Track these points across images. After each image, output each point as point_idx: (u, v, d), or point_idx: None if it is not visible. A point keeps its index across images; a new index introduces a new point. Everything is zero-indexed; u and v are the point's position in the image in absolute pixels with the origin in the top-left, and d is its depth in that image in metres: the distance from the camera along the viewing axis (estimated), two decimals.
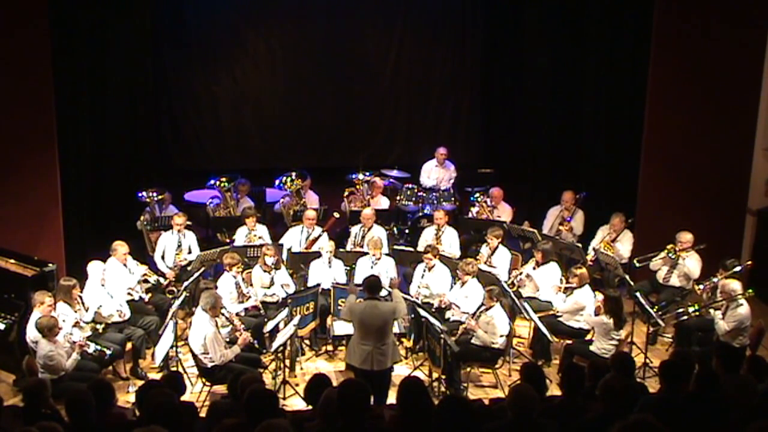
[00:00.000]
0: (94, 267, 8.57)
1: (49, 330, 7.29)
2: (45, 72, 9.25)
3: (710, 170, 10.12)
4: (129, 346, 8.39)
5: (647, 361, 8.36)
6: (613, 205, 10.38)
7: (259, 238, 9.89)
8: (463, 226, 10.69)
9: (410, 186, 11.72)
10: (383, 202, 11.34)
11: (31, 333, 7.59)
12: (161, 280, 9.27)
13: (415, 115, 14.33)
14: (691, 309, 8.37)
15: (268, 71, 13.89)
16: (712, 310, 8.26)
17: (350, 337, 8.31)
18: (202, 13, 13.40)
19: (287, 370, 8.33)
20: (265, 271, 9.09)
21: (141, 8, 12.02)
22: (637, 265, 9.37)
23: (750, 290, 8.26)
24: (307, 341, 9.01)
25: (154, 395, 5.25)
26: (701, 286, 8.75)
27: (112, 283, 8.60)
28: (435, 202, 11.44)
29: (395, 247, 10.04)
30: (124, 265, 8.93)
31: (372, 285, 7.39)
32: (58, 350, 7.37)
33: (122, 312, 8.48)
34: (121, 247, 8.93)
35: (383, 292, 8.64)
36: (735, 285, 8.09)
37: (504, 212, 10.89)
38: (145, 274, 9.04)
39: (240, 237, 10.00)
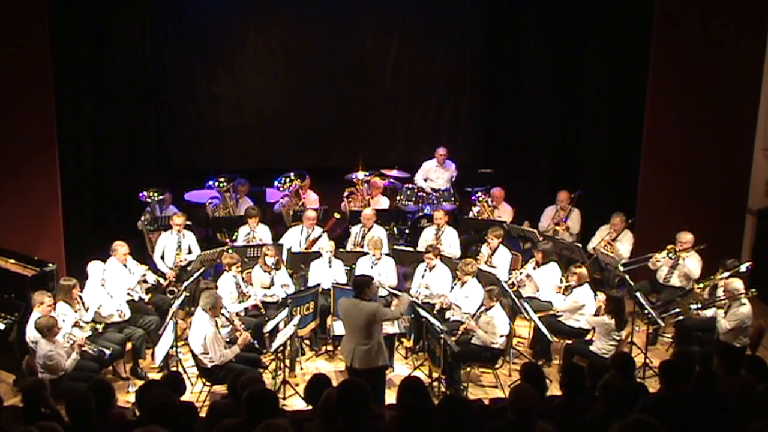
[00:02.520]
0: (94, 267, 8.57)
1: (48, 330, 7.29)
2: (45, 72, 9.24)
3: (710, 170, 10.11)
4: (129, 346, 8.39)
5: (647, 361, 8.36)
6: (613, 205, 10.37)
7: (259, 239, 9.89)
8: (463, 226, 10.68)
9: (410, 186, 11.71)
10: (383, 202, 11.33)
11: (31, 333, 7.58)
12: (161, 280, 9.27)
13: (415, 115, 14.33)
14: (693, 306, 8.38)
15: (268, 71, 13.90)
16: (714, 309, 8.26)
17: None
18: (202, 13, 13.41)
19: (287, 370, 8.33)
20: (265, 271, 9.09)
21: (141, 8, 12.02)
22: (621, 269, 9.30)
23: (753, 290, 8.24)
24: (307, 341, 9.01)
25: (154, 395, 5.25)
26: (700, 286, 8.75)
27: (112, 283, 8.60)
28: (435, 202, 11.43)
29: (395, 247, 10.03)
30: (124, 265, 8.93)
31: (356, 283, 7.42)
32: (58, 350, 7.36)
33: (122, 312, 8.48)
34: (121, 247, 8.93)
35: (382, 292, 8.69)
36: (738, 284, 8.09)
37: (505, 212, 10.89)
38: (144, 274, 9.04)
39: (241, 236, 10.02)
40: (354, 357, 7.20)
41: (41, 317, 7.41)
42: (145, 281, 9.05)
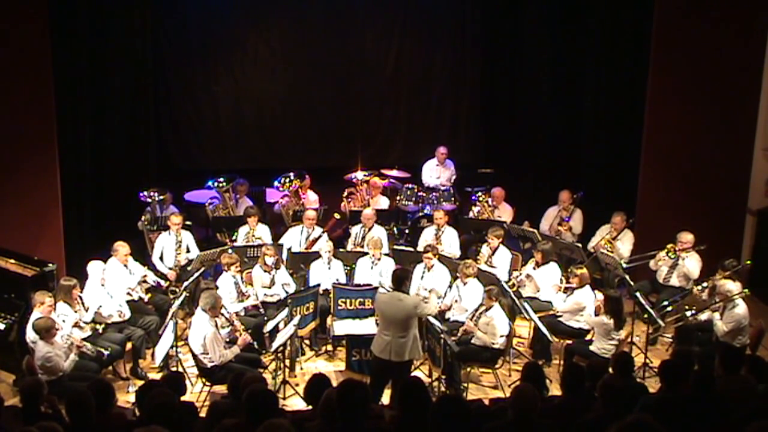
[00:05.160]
0: (94, 267, 8.57)
1: (46, 331, 7.27)
2: (45, 72, 9.24)
3: (710, 170, 10.12)
4: (129, 346, 8.39)
5: (647, 361, 8.36)
6: (613, 205, 10.38)
7: (258, 238, 9.90)
8: (463, 226, 10.69)
9: (410, 186, 11.71)
10: (383, 202, 11.34)
11: (31, 333, 7.58)
12: (161, 282, 9.24)
13: (415, 115, 14.33)
14: (688, 313, 8.36)
15: (268, 71, 13.89)
16: (708, 312, 8.25)
17: (350, 337, 8.34)
18: (202, 13, 13.40)
19: (287, 370, 8.34)
20: (265, 270, 9.09)
21: (141, 8, 12.02)
22: (624, 265, 9.34)
23: (746, 290, 8.23)
24: (307, 341, 9.01)
25: (154, 395, 5.25)
26: (699, 288, 8.75)
27: (112, 284, 8.59)
28: (435, 202, 11.43)
29: (395, 247, 10.04)
30: (125, 266, 8.92)
31: (397, 277, 7.43)
32: (56, 351, 7.35)
33: (122, 312, 8.48)
34: (122, 248, 8.92)
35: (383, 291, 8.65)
36: (730, 286, 8.08)
37: (505, 212, 10.89)
38: (145, 275, 9.03)
39: (241, 236, 10.03)
40: (391, 350, 7.20)
41: (38, 319, 7.40)
42: (145, 281, 9.05)
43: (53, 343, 7.35)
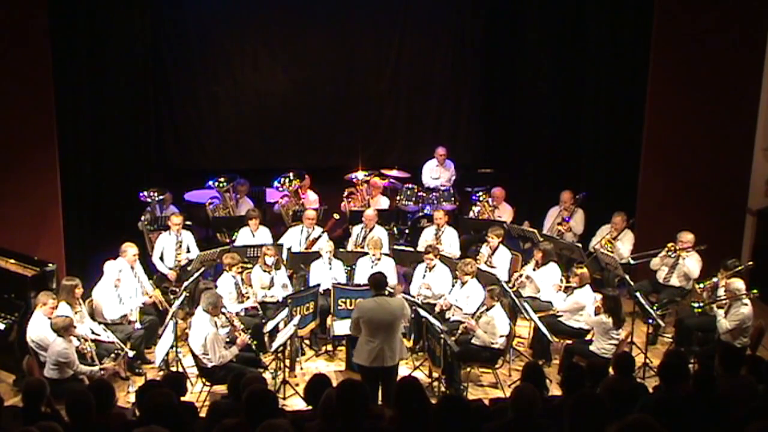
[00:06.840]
0: (110, 266, 8.55)
1: (65, 330, 7.32)
2: (45, 72, 9.23)
3: (710, 170, 10.12)
4: (129, 346, 8.39)
5: (647, 361, 8.36)
6: (613, 205, 10.38)
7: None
8: (463, 226, 10.68)
9: (410, 186, 11.72)
10: (383, 202, 11.34)
11: (32, 333, 7.60)
12: (167, 306, 9.11)
13: (415, 115, 14.34)
14: (695, 304, 8.37)
15: (268, 71, 13.90)
16: (714, 308, 8.26)
17: (350, 337, 8.33)
18: (202, 14, 13.41)
19: (287, 370, 8.34)
20: (265, 271, 9.09)
21: (141, 9, 12.03)
22: (632, 262, 9.37)
23: (755, 290, 8.23)
24: (307, 341, 9.01)
25: (154, 395, 5.25)
26: (701, 286, 8.75)
27: (122, 285, 8.60)
28: (435, 202, 11.43)
29: (395, 247, 10.04)
30: (132, 267, 8.90)
31: (378, 282, 7.41)
32: (73, 350, 7.38)
33: (128, 316, 8.53)
34: (130, 248, 8.88)
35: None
36: (739, 284, 8.09)
37: (505, 212, 10.89)
38: (153, 298, 8.99)
39: (241, 237, 10.02)
40: (385, 356, 7.17)
41: (57, 317, 7.44)
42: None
43: (70, 341, 7.37)
